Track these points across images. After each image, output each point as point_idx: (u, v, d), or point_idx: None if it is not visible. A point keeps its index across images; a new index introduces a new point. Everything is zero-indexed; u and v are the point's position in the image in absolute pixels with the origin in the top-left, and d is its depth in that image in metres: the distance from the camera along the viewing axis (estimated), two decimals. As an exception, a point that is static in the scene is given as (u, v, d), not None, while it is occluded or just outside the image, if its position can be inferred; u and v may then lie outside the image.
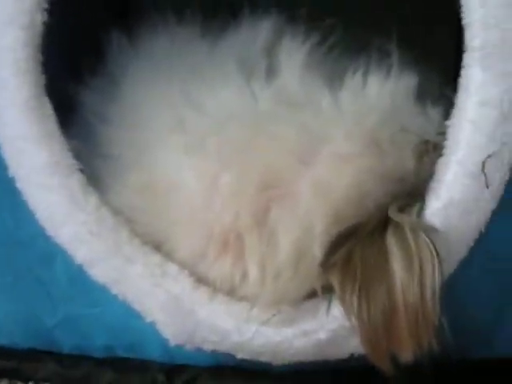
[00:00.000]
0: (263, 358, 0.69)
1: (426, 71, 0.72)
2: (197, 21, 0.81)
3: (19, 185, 0.70)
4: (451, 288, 0.64)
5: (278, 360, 0.69)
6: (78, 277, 0.71)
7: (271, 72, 0.73)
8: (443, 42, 0.94)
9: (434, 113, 0.69)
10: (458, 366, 0.71)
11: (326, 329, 0.67)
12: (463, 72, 0.65)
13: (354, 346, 0.67)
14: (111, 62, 0.82)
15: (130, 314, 0.71)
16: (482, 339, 0.72)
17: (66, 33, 0.79)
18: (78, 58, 0.82)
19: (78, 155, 0.71)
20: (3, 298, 0.75)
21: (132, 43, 0.82)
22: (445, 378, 0.71)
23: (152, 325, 0.70)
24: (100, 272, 0.70)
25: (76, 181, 0.69)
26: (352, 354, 0.68)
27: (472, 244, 0.67)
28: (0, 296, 0.75)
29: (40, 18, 0.68)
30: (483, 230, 0.66)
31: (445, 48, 0.92)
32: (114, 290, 0.70)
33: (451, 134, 0.66)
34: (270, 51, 0.75)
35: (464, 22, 0.65)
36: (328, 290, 0.66)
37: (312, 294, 0.68)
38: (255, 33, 0.77)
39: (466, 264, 0.67)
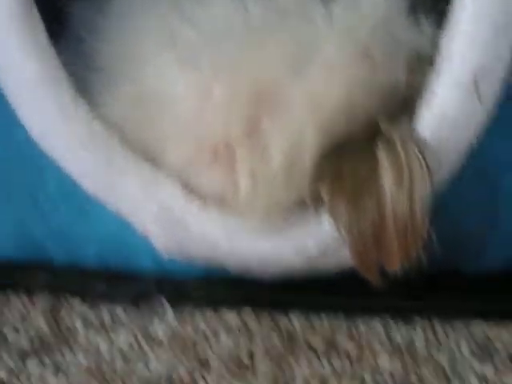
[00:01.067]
0: (253, 270, 0.70)
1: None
2: None
3: (10, 98, 0.70)
4: (441, 201, 0.65)
5: (269, 272, 0.70)
6: (69, 189, 0.71)
7: None
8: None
9: (427, 25, 0.69)
10: (448, 278, 0.72)
11: (316, 240, 0.68)
12: (459, -15, 0.65)
13: (343, 258, 0.67)
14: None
15: (122, 225, 0.71)
16: (472, 252, 0.73)
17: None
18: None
19: (68, 68, 0.71)
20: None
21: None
22: (435, 291, 0.72)
23: (144, 236, 0.70)
24: (92, 184, 0.70)
25: (66, 92, 0.69)
26: (341, 267, 0.69)
27: (463, 158, 0.67)
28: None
29: None
30: (474, 145, 0.67)
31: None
32: (106, 202, 0.70)
33: (444, 46, 0.66)
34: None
35: None
36: (319, 200, 0.67)
37: (303, 206, 0.68)
38: None
39: (456, 178, 0.68)
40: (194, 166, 0.69)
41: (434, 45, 0.67)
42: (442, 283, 0.71)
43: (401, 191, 0.63)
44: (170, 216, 0.69)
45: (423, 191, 0.63)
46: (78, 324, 0.72)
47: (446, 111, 0.65)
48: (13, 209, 0.74)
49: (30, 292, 0.74)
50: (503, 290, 0.74)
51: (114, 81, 0.72)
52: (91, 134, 0.69)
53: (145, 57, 0.72)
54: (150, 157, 0.71)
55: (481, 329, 0.73)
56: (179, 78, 0.69)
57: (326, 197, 0.65)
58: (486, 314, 0.73)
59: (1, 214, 0.75)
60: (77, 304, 0.74)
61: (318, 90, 0.66)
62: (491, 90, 0.66)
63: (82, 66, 0.74)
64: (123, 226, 0.71)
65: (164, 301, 0.72)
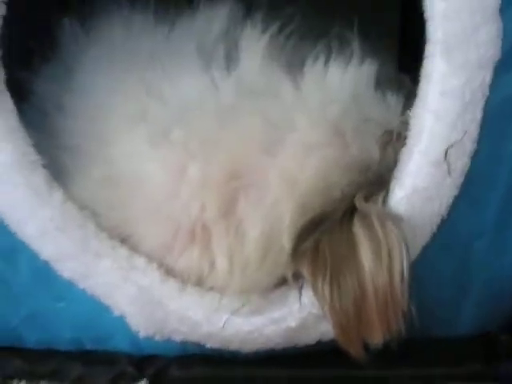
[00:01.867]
0: (233, 347, 0.70)
1: (380, 59, 0.73)
2: (151, 7, 0.80)
3: (-20, 181, 0.69)
4: (414, 271, 0.66)
5: (248, 348, 0.70)
6: (42, 272, 0.70)
7: (231, 60, 0.73)
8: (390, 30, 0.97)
9: (394, 101, 0.71)
10: (421, 344, 0.73)
11: (296, 316, 0.68)
12: (425, 63, 0.67)
13: (323, 331, 0.68)
14: (64, 50, 0.81)
15: (97, 307, 0.70)
16: (444, 319, 0.74)
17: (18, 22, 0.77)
18: (29, 46, 0.81)
19: (37, 147, 0.70)
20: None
21: (85, 30, 0.81)
22: (409, 356, 0.73)
23: (120, 317, 0.70)
24: (67, 267, 0.69)
25: (40, 177, 0.68)
26: (321, 339, 0.70)
27: (435, 229, 0.69)
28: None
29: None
30: (445, 216, 0.68)
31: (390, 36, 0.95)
32: (82, 285, 0.70)
33: (414, 123, 0.67)
34: (228, 38, 0.75)
35: (426, 15, 0.66)
36: (297, 278, 0.67)
37: (280, 283, 0.69)
38: (212, 19, 0.77)
39: (428, 248, 0.69)
40: (171, 248, 0.69)
41: (404, 121, 0.68)
42: (417, 351, 0.73)
43: (380, 267, 0.64)
44: (148, 297, 0.69)
45: (401, 265, 0.64)
46: (57, 409, 0.71)
47: (418, 186, 0.67)
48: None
49: (5, 378, 0.73)
50: (474, 355, 0.75)
51: (84, 160, 0.72)
52: (65, 217, 0.69)
53: (115, 134, 0.72)
54: (124, 237, 0.70)
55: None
56: (150, 157, 0.69)
57: (307, 275, 0.65)
58: (460, 379, 0.74)
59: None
60: (55, 389, 0.73)
61: (293, 168, 0.67)
62: (460, 162, 0.67)
63: (50, 144, 0.73)
64: (99, 308, 0.70)
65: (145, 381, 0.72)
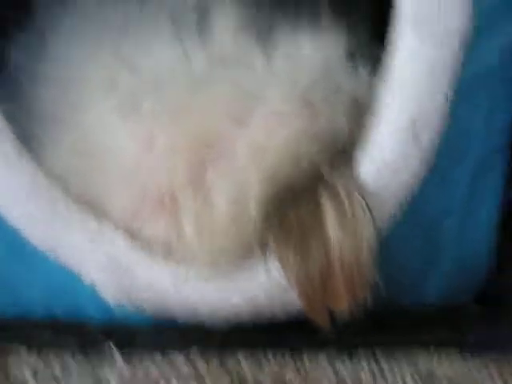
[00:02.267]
0: (200, 317, 0.70)
1: (353, 29, 0.73)
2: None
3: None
4: (383, 242, 0.67)
5: (215, 318, 0.71)
6: (13, 240, 0.70)
7: (203, 30, 0.72)
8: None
9: (365, 72, 0.70)
10: (390, 314, 0.73)
11: (263, 286, 0.69)
12: (394, 34, 0.67)
13: (290, 302, 0.69)
14: (38, 17, 0.80)
15: (68, 275, 0.71)
16: (412, 289, 0.75)
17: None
18: (3, 12, 0.81)
19: (8, 115, 0.70)
20: None
21: (60, -1, 0.80)
22: (379, 326, 0.73)
23: (91, 286, 0.70)
24: (37, 235, 0.70)
25: (10, 145, 0.68)
26: (288, 311, 0.70)
27: (403, 202, 0.69)
28: None
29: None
30: (414, 190, 0.69)
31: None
32: (51, 253, 0.70)
33: (382, 93, 0.67)
34: (201, 8, 0.75)
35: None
36: (265, 247, 0.68)
37: (250, 251, 0.69)
38: None
39: (396, 220, 0.69)
40: (138, 215, 0.69)
41: (372, 92, 0.68)
42: (385, 319, 0.73)
43: (346, 237, 0.64)
44: (117, 265, 0.69)
45: (367, 236, 0.64)
46: (28, 374, 0.71)
47: (386, 157, 0.67)
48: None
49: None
50: (442, 322, 0.76)
51: (54, 129, 0.72)
52: (35, 186, 0.69)
53: (86, 103, 0.71)
54: (94, 207, 0.70)
55: (424, 360, 0.75)
56: (120, 127, 0.69)
57: (273, 245, 0.66)
58: (427, 346, 0.75)
59: None
60: (25, 354, 0.73)
61: (261, 138, 0.67)
62: (428, 136, 0.67)
63: (21, 113, 0.73)
64: (69, 276, 0.71)
65: (113, 347, 0.72)
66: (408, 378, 0.73)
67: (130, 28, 0.74)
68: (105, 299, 0.71)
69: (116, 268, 0.69)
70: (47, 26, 0.79)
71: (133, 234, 0.70)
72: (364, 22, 0.71)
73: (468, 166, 0.72)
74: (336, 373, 0.74)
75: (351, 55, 0.71)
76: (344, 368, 0.74)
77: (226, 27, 0.72)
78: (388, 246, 0.67)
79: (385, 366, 0.74)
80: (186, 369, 0.72)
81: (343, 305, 0.65)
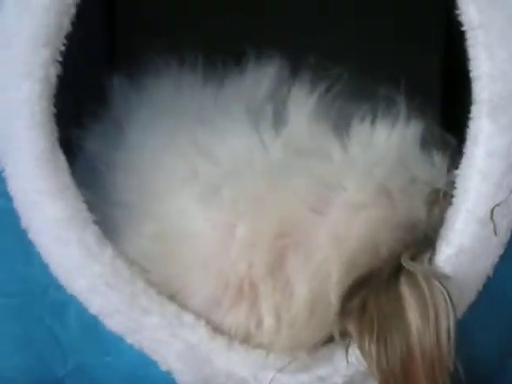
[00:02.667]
0: (279, 404, 0.70)
1: (425, 119, 0.74)
2: (199, 66, 0.81)
3: (32, 236, 0.70)
4: (461, 330, 0.66)
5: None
6: (90, 327, 0.71)
7: (279, 120, 0.74)
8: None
9: (440, 161, 0.71)
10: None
11: (342, 374, 0.69)
12: (471, 123, 0.68)
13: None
14: (114, 107, 0.82)
15: (144, 362, 0.71)
16: (490, 378, 0.74)
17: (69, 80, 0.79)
18: (78, 102, 0.83)
19: (88, 203, 0.71)
20: (13, 349, 0.75)
21: (134, 88, 0.82)
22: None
23: (167, 373, 0.71)
24: (115, 323, 0.70)
25: (91, 233, 0.70)
26: (367, 398, 0.70)
27: (481, 288, 0.69)
28: (10, 347, 0.75)
29: (54, 70, 0.68)
30: (491, 275, 0.69)
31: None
32: (130, 340, 0.70)
33: (460, 182, 0.68)
34: (276, 98, 0.76)
35: (472, 75, 0.67)
36: (344, 335, 0.68)
37: (327, 341, 0.69)
38: (260, 79, 0.78)
39: (474, 306, 0.69)
40: (218, 303, 0.70)
41: (450, 181, 0.69)
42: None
43: (427, 326, 0.64)
44: (195, 353, 0.70)
45: (448, 325, 0.64)
46: None
47: (464, 245, 0.67)
48: (33, 345, 0.74)
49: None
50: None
51: (135, 216, 0.73)
52: (115, 273, 0.70)
53: (165, 192, 0.73)
54: (172, 293, 0.71)
55: None
56: (201, 215, 0.70)
57: (354, 334, 0.66)
58: None
59: (22, 350, 0.74)
60: None
61: (341, 227, 0.68)
62: (506, 221, 0.68)
63: (100, 201, 0.74)
64: (146, 364, 0.71)
65: None
66: None
67: (207, 117, 0.75)
68: (181, 387, 0.71)
69: (195, 357, 0.70)
70: (122, 114, 0.81)
71: (211, 320, 0.70)
72: (435, 115, 0.72)
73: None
74: None
75: (426, 144, 0.72)
76: None
77: (301, 116, 0.73)
78: (466, 332, 0.67)
79: None
80: None
81: (424, 393, 0.65)
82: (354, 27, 1.10)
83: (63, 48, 0.68)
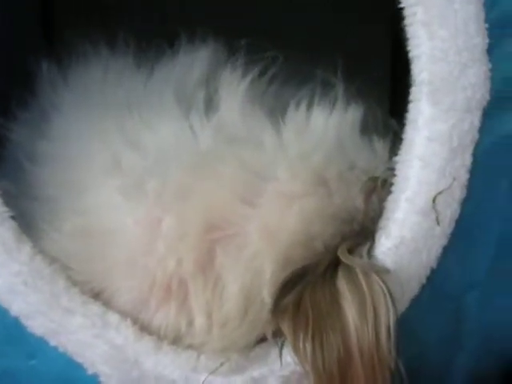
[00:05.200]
0: (212, 407, 0.67)
1: (368, 103, 0.70)
2: (130, 50, 0.77)
3: None
4: (403, 324, 0.63)
5: (228, 409, 0.67)
6: (13, 329, 0.67)
7: (210, 105, 0.70)
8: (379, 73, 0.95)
9: (381, 147, 0.68)
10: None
11: (277, 375, 0.65)
12: (411, 106, 0.64)
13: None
14: (41, 95, 0.78)
15: (70, 364, 0.67)
16: (436, 373, 0.71)
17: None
18: (5, 89, 0.79)
19: (7, 197, 0.67)
20: None
21: (63, 74, 0.78)
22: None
23: (94, 376, 0.66)
24: (37, 324, 0.66)
25: (8, 229, 0.65)
26: (304, 399, 0.66)
27: (424, 281, 0.65)
28: None
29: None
30: (434, 267, 0.65)
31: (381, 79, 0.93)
32: (53, 342, 0.66)
33: (400, 170, 0.64)
34: (209, 82, 0.72)
35: (410, 54, 0.63)
36: (279, 335, 0.64)
37: (261, 340, 0.66)
38: (192, 63, 0.74)
39: (417, 300, 0.66)
40: (145, 302, 0.66)
41: (390, 168, 0.65)
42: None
43: (365, 323, 0.60)
44: (122, 356, 0.66)
45: (388, 321, 0.61)
46: None
47: (405, 236, 0.64)
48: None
49: None
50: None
51: (56, 211, 0.69)
52: (34, 271, 0.66)
53: (88, 185, 0.69)
54: (96, 292, 0.67)
55: None
56: (125, 209, 0.66)
57: (287, 333, 0.62)
58: None
59: None
60: None
61: (273, 220, 0.64)
62: (449, 210, 0.64)
63: (22, 193, 0.70)
64: (73, 367, 0.67)
65: None
66: None
67: (135, 104, 0.71)
68: (108, 390, 0.67)
69: (122, 359, 0.65)
70: (49, 102, 0.77)
71: (138, 320, 0.66)
72: (380, 96, 0.68)
73: (491, 238, 0.68)
74: None
75: (366, 129, 0.68)
76: None
77: (233, 102, 0.69)
78: (409, 327, 0.63)
79: None
80: None
81: (363, 395, 0.61)
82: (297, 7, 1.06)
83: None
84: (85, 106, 0.74)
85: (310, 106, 0.68)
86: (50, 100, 0.77)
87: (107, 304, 0.67)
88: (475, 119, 0.64)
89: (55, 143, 0.73)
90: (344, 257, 0.63)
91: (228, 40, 0.75)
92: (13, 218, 0.66)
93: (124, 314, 0.66)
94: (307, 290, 0.62)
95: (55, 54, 0.81)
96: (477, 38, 0.63)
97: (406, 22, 0.63)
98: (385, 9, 0.66)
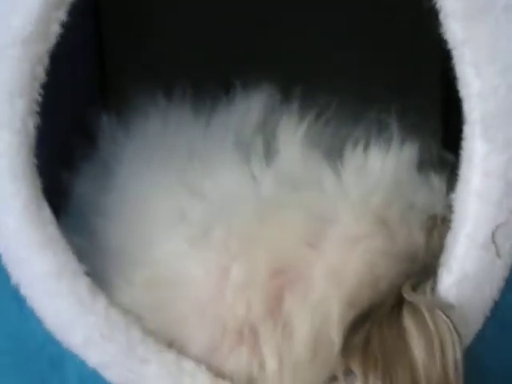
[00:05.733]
0: None
1: (422, 139, 0.71)
2: (187, 98, 0.79)
3: (24, 292, 0.68)
4: (470, 358, 0.64)
5: None
6: (90, 379, 0.69)
7: (269, 151, 0.72)
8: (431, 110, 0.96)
9: (438, 183, 0.69)
10: None
11: (349, 414, 0.66)
12: (465, 144, 0.65)
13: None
14: (102, 147, 0.81)
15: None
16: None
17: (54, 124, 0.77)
18: (68, 142, 0.81)
19: (79, 251, 0.70)
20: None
21: (122, 126, 0.80)
22: None
23: (171, 422, 0.69)
24: (115, 374, 0.68)
25: (83, 285, 0.68)
26: None
27: (488, 314, 0.66)
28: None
29: (32, 121, 0.66)
30: (497, 300, 0.66)
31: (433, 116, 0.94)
32: (130, 391, 0.69)
33: (458, 206, 0.66)
34: (266, 128, 0.74)
35: (461, 94, 0.65)
36: (349, 374, 0.66)
37: (331, 380, 0.67)
38: (249, 110, 0.76)
39: (482, 333, 0.67)
40: (217, 348, 0.68)
41: (447, 203, 0.66)
42: None
43: (433, 360, 0.62)
44: (199, 400, 0.68)
45: (454, 356, 0.62)
46: None
47: (467, 271, 0.65)
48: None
49: None
50: None
51: (125, 264, 0.71)
52: (110, 323, 0.68)
53: (155, 236, 0.71)
54: (170, 341, 0.69)
55: None
56: (193, 258, 0.68)
57: (358, 372, 0.63)
58: None
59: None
60: None
61: (338, 263, 0.65)
62: (508, 243, 0.65)
63: (90, 247, 0.73)
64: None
65: None
66: None
67: (196, 153, 0.74)
68: None
69: (198, 404, 0.67)
70: (111, 154, 0.79)
71: (212, 366, 0.68)
72: (435, 134, 0.70)
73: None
74: None
75: (423, 165, 0.69)
76: None
77: (292, 146, 0.71)
78: (474, 361, 0.64)
79: None
80: None
81: (434, 431, 0.62)
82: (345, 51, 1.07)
83: (39, 98, 0.66)
84: (146, 156, 0.76)
85: (366, 147, 0.70)
86: (112, 152, 0.79)
87: (181, 352, 0.69)
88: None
89: (119, 195, 0.75)
90: (408, 295, 0.64)
91: (282, 85, 0.77)
92: (86, 273, 0.68)
93: (198, 360, 0.68)
94: (374, 329, 0.64)
95: (113, 104, 0.83)
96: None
97: (455, 61, 0.65)
98: (436, 48, 0.67)
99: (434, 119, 1.01)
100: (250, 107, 0.76)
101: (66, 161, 0.81)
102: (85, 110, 0.85)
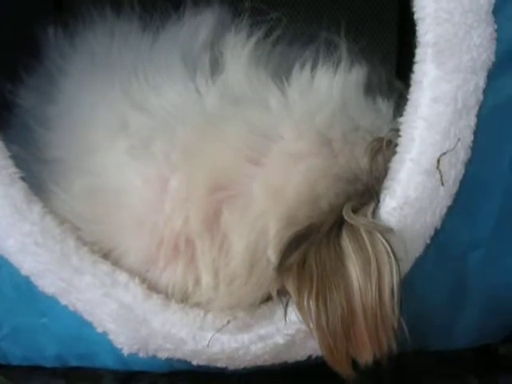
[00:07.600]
0: (219, 364, 0.68)
1: (372, 63, 0.70)
2: (136, 14, 0.78)
3: (-41, 194, 0.67)
4: (408, 284, 0.63)
5: (235, 365, 0.68)
6: (24, 288, 0.68)
7: (216, 67, 0.70)
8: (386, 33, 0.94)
9: (386, 107, 0.68)
10: (415, 358, 0.70)
11: (283, 333, 0.66)
12: (416, 67, 0.64)
13: (311, 348, 0.66)
14: (48, 60, 0.78)
15: (80, 323, 0.68)
16: (440, 332, 0.72)
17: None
18: (13, 56, 0.79)
19: (17, 160, 0.68)
20: None
21: (69, 39, 0.78)
22: (402, 371, 0.70)
23: (104, 334, 0.68)
24: (48, 283, 0.67)
25: (19, 190, 0.66)
26: (310, 356, 0.67)
27: (428, 241, 0.66)
28: None
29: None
30: (439, 227, 0.66)
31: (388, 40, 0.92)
32: (64, 301, 0.68)
33: (404, 130, 0.65)
34: (214, 45, 0.73)
35: (416, 16, 0.63)
36: (284, 293, 0.65)
37: (268, 298, 0.67)
38: (197, 26, 0.74)
39: (421, 260, 0.66)
40: (153, 261, 0.67)
41: (395, 128, 0.65)
42: (409, 363, 0.70)
43: (368, 281, 0.61)
44: (130, 314, 0.67)
45: (391, 280, 0.61)
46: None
47: (409, 196, 0.64)
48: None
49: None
50: (472, 367, 0.72)
51: (65, 173, 0.70)
52: (44, 231, 0.67)
53: (96, 146, 0.69)
54: (106, 252, 0.68)
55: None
56: (133, 170, 0.67)
57: (292, 291, 0.63)
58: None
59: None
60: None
61: (278, 179, 0.64)
62: (453, 171, 0.65)
63: (31, 156, 0.71)
64: (82, 324, 0.68)
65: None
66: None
67: (140, 66, 0.72)
68: (118, 348, 0.68)
69: (130, 317, 0.66)
70: (56, 67, 0.77)
71: (146, 279, 0.67)
72: (386, 57, 0.68)
73: (495, 198, 0.68)
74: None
75: (371, 89, 0.68)
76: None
77: (238, 63, 0.70)
78: (413, 286, 0.64)
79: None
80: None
81: (367, 353, 0.62)
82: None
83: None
84: (91, 69, 0.75)
85: (314, 67, 0.68)
86: (57, 65, 0.77)
87: (116, 263, 0.67)
88: (480, 80, 0.64)
89: (63, 107, 0.74)
90: (348, 216, 0.63)
91: (233, 3, 0.75)
92: (23, 179, 0.67)
93: (132, 273, 0.67)
94: (312, 249, 0.63)
95: (62, 20, 0.81)
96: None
97: (411, -17, 0.64)
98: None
99: (389, 42, 0.99)
100: (199, 24, 0.75)
101: (11, 74, 0.79)
102: (36, 25, 0.82)
